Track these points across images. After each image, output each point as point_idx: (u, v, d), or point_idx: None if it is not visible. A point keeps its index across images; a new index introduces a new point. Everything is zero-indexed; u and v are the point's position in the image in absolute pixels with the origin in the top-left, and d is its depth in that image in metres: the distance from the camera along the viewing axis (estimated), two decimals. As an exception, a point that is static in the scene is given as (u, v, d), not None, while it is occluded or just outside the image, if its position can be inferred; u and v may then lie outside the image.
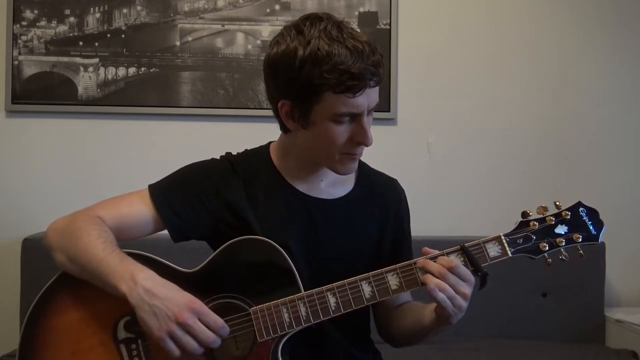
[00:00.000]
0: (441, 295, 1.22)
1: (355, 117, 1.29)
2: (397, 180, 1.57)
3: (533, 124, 2.80)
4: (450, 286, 1.23)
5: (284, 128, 1.41)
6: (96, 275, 1.24)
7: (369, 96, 1.28)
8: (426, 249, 1.29)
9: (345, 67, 1.22)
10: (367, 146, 1.32)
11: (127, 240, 1.37)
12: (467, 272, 1.25)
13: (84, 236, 1.27)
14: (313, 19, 1.29)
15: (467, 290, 1.24)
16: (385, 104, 2.69)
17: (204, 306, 1.20)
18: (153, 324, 1.17)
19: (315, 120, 1.30)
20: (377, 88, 1.30)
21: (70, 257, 1.29)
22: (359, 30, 1.34)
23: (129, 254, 1.30)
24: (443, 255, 1.28)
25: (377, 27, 2.68)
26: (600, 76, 2.82)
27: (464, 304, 1.24)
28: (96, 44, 2.63)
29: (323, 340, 1.38)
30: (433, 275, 1.24)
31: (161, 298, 1.18)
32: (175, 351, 1.17)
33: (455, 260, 1.26)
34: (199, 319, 1.18)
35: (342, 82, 1.23)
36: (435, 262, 1.26)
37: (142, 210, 1.37)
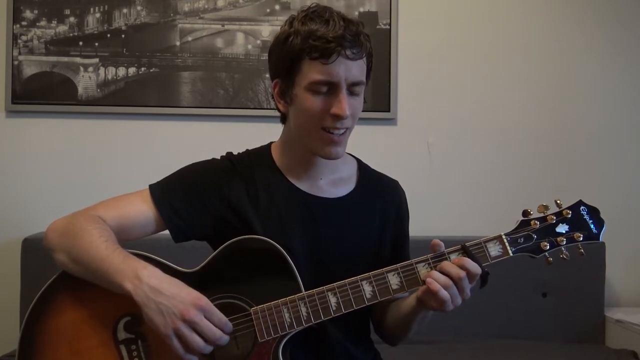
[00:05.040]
0: (444, 293, 1.23)
1: (334, 90, 1.30)
2: (397, 182, 1.57)
3: (533, 123, 2.80)
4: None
5: (281, 116, 1.44)
6: (99, 274, 1.24)
7: (348, 68, 1.29)
8: (436, 241, 1.29)
9: (321, 33, 1.27)
10: (342, 118, 1.30)
11: (128, 241, 1.37)
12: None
13: (86, 235, 1.27)
14: (309, 6, 1.35)
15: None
16: (385, 104, 2.70)
17: (210, 303, 1.20)
18: (159, 322, 1.17)
19: (297, 93, 1.33)
20: (359, 63, 1.31)
21: (72, 258, 1.29)
22: None
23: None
24: (445, 256, 1.28)
25: (377, 27, 2.68)
26: (600, 76, 2.82)
27: (460, 301, 1.26)
28: (96, 44, 2.63)
29: (323, 340, 1.38)
30: (451, 277, 1.24)
31: (167, 296, 1.18)
32: (181, 350, 1.17)
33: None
34: (205, 317, 1.18)
35: (316, 48, 1.27)
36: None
37: (143, 210, 1.37)
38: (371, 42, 1.35)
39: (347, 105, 1.29)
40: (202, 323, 1.17)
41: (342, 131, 1.33)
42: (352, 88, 1.31)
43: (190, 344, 1.17)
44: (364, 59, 1.33)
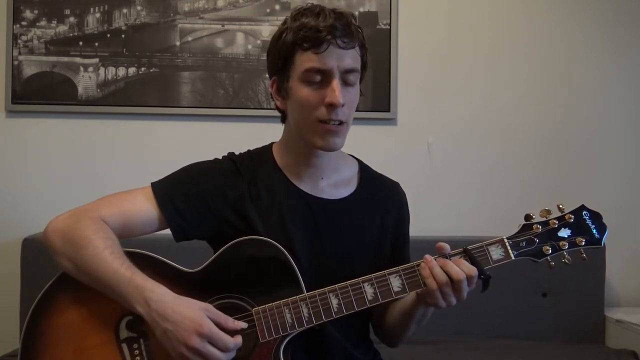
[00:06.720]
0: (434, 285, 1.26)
1: (327, 80, 1.31)
2: (399, 184, 1.57)
3: (533, 124, 2.80)
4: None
5: (281, 115, 1.45)
6: (109, 292, 1.26)
7: (340, 56, 1.30)
8: (441, 244, 1.30)
9: (312, 24, 1.29)
10: (336, 106, 1.30)
11: (131, 237, 1.36)
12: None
13: (90, 247, 1.26)
14: (302, 5, 1.37)
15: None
16: (385, 104, 2.69)
17: (212, 329, 1.19)
18: (168, 345, 1.20)
19: (292, 85, 1.34)
20: (351, 52, 1.32)
21: (78, 268, 1.28)
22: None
23: (131, 254, 1.31)
24: (447, 258, 1.28)
25: (377, 27, 2.68)
26: (600, 76, 2.82)
27: (454, 301, 1.27)
28: (96, 44, 2.63)
29: (324, 340, 1.39)
30: (450, 276, 1.25)
31: (171, 322, 1.19)
32: None
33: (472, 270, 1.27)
34: (209, 342, 1.18)
35: (307, 38, 1.29)
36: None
37: (145, 209, 1.37)
38: (364, 35, 1.37)
39: (341, 93, 1.30)
40: (205, 350, 1.18)
41: (337, 122, 1.33)
42: (345, 76, 1.32)
43: None
44: (357, 49, 1.34)
